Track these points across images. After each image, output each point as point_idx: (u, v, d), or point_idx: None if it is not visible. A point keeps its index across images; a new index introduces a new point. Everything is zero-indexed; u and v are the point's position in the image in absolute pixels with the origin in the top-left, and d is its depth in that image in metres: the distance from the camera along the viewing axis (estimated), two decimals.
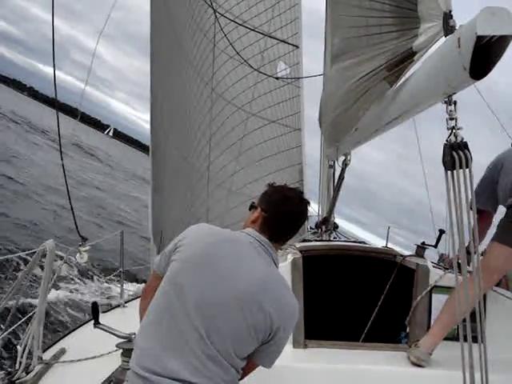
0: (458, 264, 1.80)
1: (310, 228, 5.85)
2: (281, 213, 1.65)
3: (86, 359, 2.48)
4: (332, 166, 5.33)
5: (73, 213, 3.13)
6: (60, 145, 3.05)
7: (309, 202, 1.73)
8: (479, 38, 1.50)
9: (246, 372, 1.63)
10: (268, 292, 1.52)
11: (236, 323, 1.47)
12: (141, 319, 1.72)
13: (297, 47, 5.93)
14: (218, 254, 1.55)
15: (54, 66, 2.82)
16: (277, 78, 5.66)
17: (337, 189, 4.79)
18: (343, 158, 4.41)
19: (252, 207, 1.74)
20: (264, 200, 1.71)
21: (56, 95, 3.02)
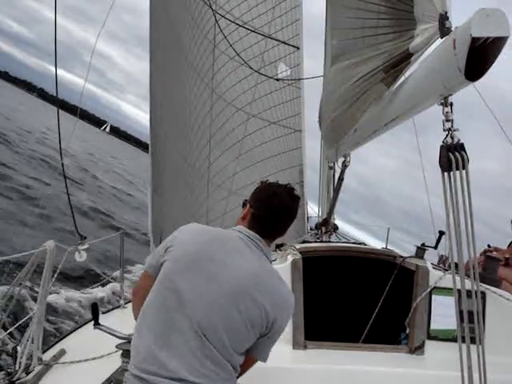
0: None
1: (310, 229, 5.86)
2: (268, 209, 1.66)
3: (86, 360, 2.48)
4: (332, 168, 5.35)
5: (72, 212, 3.14)
6: (60, 144, 3.06)
7: (299, 198, 1.72)
8: (474, 40, 1.50)
9: (244, 368, 1.64)
10: (261, 285, 1.54)
11: (232, 319, 1.48)
12: (135, 318, 1.73)
13: (297, 48, 5.92)
14: (209, 252, 1.57)
15: (55, 65, 2.84)
16: (277, 80, 5.65)
17: (336, 190, 4.80)
18: (343, 159, 4.42)
19: (244, 204, 1.75)
20: (253, 197, 1.72)
21: (57, 93, 3.03)
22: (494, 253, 3.51)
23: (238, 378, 1.62)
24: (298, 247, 3.15)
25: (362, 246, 3.63)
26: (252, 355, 1.62)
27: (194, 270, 1.53)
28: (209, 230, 1.70)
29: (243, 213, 1.71)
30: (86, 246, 3.08)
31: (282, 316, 1.58)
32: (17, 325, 2.87)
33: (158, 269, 1.62)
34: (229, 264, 1.55)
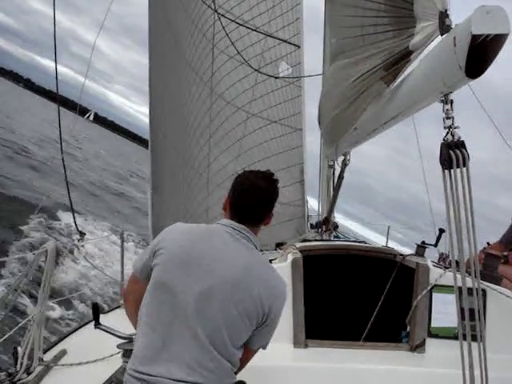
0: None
1: (311, 226, 5.87)
2: (241, 192, 1.67)
3: (87, 362, 2.48)
4: (332, 166, 5.35)
5: (72, 209, 3.15)
6: (61, 140, 3.06)
7: (277, 181, 1.72)
8: (474, 37, 1.50)
9: (244, 361, 1.65)
10: (253, 276, 1.56)
11: (228, 312, 1.49)
12: (132, 323, 1.75)
13: (298, 47, 5.91)
14: (198, 250, 1.58)
15: (55, 63, 2.84)
16: (276, 78, 5.64)
17: (336, 188, 4.80)
18: (343, 157, 4.42)
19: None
20: (231, 187, 1.74)
21: (57, 90, 3.03)
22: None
23: (238, 371, 1.64)
24: (298, 246, 3.16)
25: (363, 245, 3.64)
26: (251, 347, 1.63)
27: (185, 270, 1.54)
28: (195, 228, 1.70)
29: (224, 205, 1.73)
30: (84, 243, 3.10)
31: (276, 304, 1.60)
32: (18, 326, 2.87)
33: (147, 272, 1.62)
34: (220, 259, 1.56)
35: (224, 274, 1.52)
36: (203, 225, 1.73)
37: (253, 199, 1.66)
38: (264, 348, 1.67)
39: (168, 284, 1.53)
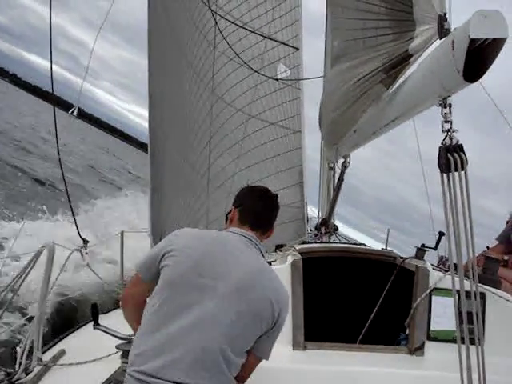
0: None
1: (310, 230, 5.87)
2: (252, 198, 1.81)
3: (86, 362, 2.48)
4: (332, 168, 5.36)
5: (73, 216, 3.15)
6: (57, 142, 3.06)
7: (277, 195, 1.88)
8: (472, 41, 1.51)
9: (249, 370, 1.66)
10: (266, 281, 1.61)
11: (242, 315, 1.51)
12: (131, 325, 1.74)
13: (297, 49, 5.92)
14: (212, 254, 1.60)
15: (51, 63, 2.84)
16: (277, 80, 5.65)
17: (336, 190, 4.80)
18: (343, 160, 4.43)
19: (227, 218, 1.85)
20: (235, 200, 1.86)
21: (53, 90, 3.04)
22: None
23: (243, 381, 1.65)
24: (297, 248, 3.16)
25: (362, 247, 3.64)
26: (256, 355, 1.64)
27: (199, 272, 1.55)
28: (207, 233, 1.74)
29: (231, 216, 1.81)
30: (88, 250, 3.09)
31: (283, 311, 1.63)
32: (16, 325, 2.88)
33: (153, 274, 1.63)
34: (233, 263, 1.58)
35: (238, 278, 1.55)
36: (214, 231, 1.78)
37: (264, 204, 1.81)
38: (267, 358, 1.68)
39: (179, 285, 1.54)
